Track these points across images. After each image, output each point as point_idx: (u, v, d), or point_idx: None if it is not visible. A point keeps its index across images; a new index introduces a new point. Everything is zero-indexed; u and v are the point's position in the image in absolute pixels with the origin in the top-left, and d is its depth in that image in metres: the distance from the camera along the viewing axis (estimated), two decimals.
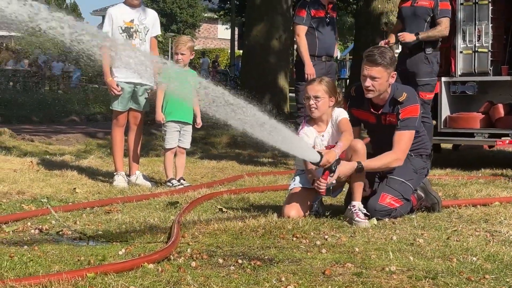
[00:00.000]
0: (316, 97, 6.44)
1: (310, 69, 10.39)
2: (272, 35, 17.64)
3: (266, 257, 4.80)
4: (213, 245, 5.22)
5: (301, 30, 10.67)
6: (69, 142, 14.19)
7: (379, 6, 20.87)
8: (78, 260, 4.65)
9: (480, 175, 10.07)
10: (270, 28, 17.68)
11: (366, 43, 19.40)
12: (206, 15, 54.43)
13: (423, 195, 6.73)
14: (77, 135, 15.26)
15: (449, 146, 13.86)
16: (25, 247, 5.10)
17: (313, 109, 6.46)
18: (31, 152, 11.53)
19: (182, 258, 4.74)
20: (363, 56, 6.53)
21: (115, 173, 8.84)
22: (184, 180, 8.81)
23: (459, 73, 11.22)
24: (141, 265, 4.40)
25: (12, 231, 5.77)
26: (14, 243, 5.29)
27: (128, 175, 8.93)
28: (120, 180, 8.68)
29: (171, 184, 8.67)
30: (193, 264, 4.54)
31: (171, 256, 4.76)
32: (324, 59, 10.70)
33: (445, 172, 10.52)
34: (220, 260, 4.67)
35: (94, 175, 9.41)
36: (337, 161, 6.12)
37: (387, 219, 6.24)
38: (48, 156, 11.10)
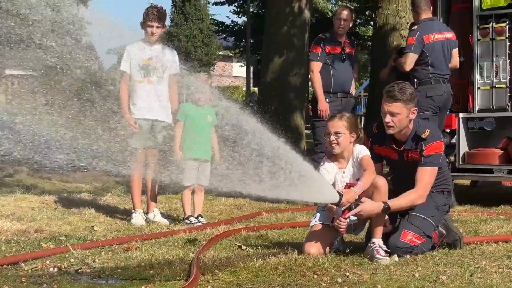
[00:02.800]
0: (337, 133, 6.42)
1: (322, 105, 10.42)
2: (288, 72, 17.64)
3: None
4: (233, 282, 5.17)
5: (315, 66, 10.74)
6: (86, 180, 14.17)
7: (394, 42, 20.87)
8: None
9: (500, 211, 9.97)
10: (287, 65, 17.68)
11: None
12: (220, 53, 54.67)
13: (444, 232, 6.66)
14: (94, 172, 15.23)
15: (467, 182, 13.76)
16: (44, 285, 5.08)
17: (334, 145, 6.43)
18: (48, 190, 11.52)
19: None
20: (383, 93, 6.52)
21: (133, 211, 8.80)
22: (202, 217, 8.76)
23: (477, 109, 11.15)
24: None
25: (31, 269, 5.75)
26: (33, 282, 5.26)
27: (146, 213, 8.89)
28: (138, 218, 8.64)
29: (189, 222, 8.61)
30: None
31: None
32: (340, 96, 10.74)
33: (465, 208, 10.39)
34: None
35: (112, 212, 9.38)
36: (356, 201, 6.10)
37: (408, 256, 6.17)
38: (65, 194, 11.09)
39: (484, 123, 11.12)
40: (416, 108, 6.46)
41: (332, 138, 6.42)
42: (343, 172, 6.46)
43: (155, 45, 8.90)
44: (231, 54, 50.69)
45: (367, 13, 32.17)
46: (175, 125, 8.75)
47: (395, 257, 6.09)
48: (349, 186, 6.20)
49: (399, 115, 6.35)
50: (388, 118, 6.37)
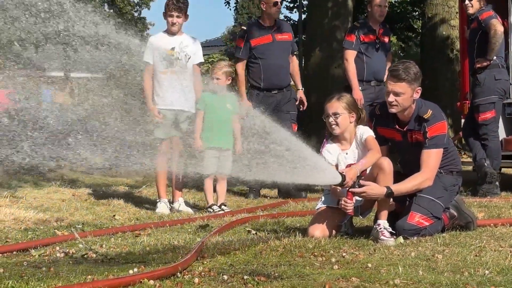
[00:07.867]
0: (335, 114, 6.36)
1: (357, 94, 10.32)
2: (331, 64, 17.54)
3: (276, 274, 4.71)
4: (226, 263, 5.15)
5: (350, 55, 10.67)
6: (129, 174, 14.24)
7: (444, 32, 20.58)
8: (85, 279, 4.62)
9: None
10: (329, 56, 17.59)
11: (430, 71, 19.11)
12: None
13: (455, 213, 6.52)
14: (135, 167, 15.28)
15: None
16: (43, 269, 5.10)
17: (333, 126, 6.37)
18: (86, 184, 11.66)
19: (190, 275, 4.69)
20: (388, 71, 6.47)
21: (158, 200, 8.86)
22: (225, 205, 8.76)
23: None
24: (140, 281, 4.37)
25: (39, 254, 5.80)
26: (34, 266, 5.28)
27: (172, 202, 8.93)
28: (162, 207, 8.70)
29: (211, 210, 8.62)
30: (196, 280, 4.49)
31: (179, 273, 4.71)
32: (373, 84, 10.65)
33: (500, 195, 10.18)
34: (226, 277, 4.59)
35: (140, 203, 9.45)
36: (358, 178, 6.03)
37: (415, 238, 6.07)
38: (102, 188, 11.22)
39: None
40: (420, 88, 6.35)
41: (331, 119, 6.37)
42: (346, 154, 6.40)
43: (178, 36, 8.94)
44: None
45: (422, 5, 31.64)
46: (196, 114, 8.77)
47: (400, 239, 6.01)
48: (350, 166, 6.13)
49: (403, 95, 6.27)
50: (391, 98, 6.28)
